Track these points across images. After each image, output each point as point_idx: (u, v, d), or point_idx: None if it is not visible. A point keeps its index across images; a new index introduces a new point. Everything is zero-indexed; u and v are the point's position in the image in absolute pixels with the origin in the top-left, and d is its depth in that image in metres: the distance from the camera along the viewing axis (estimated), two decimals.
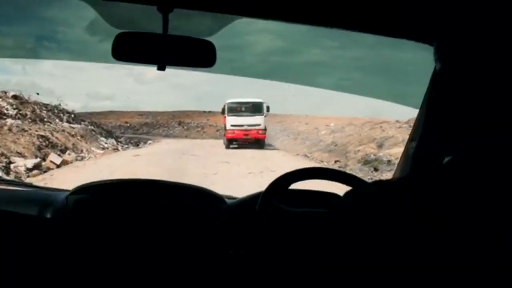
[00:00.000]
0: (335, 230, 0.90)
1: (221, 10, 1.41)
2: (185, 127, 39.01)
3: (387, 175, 9.95)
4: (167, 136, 34.16)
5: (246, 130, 21.63)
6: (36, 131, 13.27)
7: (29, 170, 9.43)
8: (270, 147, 21.38)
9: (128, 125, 39.80)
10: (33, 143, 12.11)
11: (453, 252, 0.52)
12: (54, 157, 10.78)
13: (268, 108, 22.35)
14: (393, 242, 0.56)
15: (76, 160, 13.03)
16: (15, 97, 16.77)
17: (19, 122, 14.17)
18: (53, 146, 13.00)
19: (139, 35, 1.40)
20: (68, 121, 19.17)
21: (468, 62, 0.60)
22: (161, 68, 1.42)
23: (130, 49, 1.39)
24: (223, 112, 22.64)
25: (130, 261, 1.57)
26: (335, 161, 15.31)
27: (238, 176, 8.24)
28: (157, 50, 1.40)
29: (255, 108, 22.47)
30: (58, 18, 2.24)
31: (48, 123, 16.56)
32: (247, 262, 1.53)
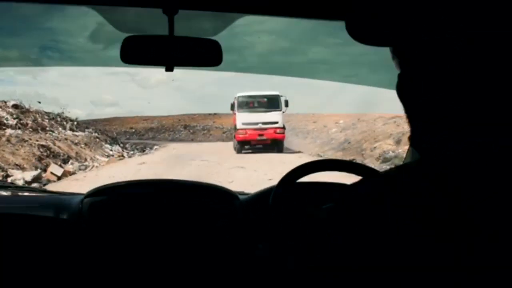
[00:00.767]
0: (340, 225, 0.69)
1: (225, 9, 1.44)
2: (191, 131, 38.63)
3: None
4: (173, 140, 33.62)
5: (260, 129, 18.16)
6: (37, 140, 12.63)
7: (27, 183, 8.75)
8: (286, 150, 18.60)
9: (134, 130, 39.45)
10: (34, 154, 11.47)
11: (453, 251, 0.50)
12: (54, 168, 10.12)
13: (286, 102, 18.59)
14: (394, 240, 0.53)
15: (80, 169, 12.40)
16: (15, 106, 16.21)
17: (19, 132, 13.57)
18: (55, 156, 12.36)
19: (146, 38, 1.42)
20: (71, 129, 18.70)
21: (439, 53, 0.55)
22: (169, 69, 1.44)
23: (138, 52, 1.41)
24: (232, 108, 19.20)
25: (148, 261, 1.61)
26: (351, 160, 14.61)
27: (258, 184, 7.19)
28: (164, 52, 1.41)
29: (271, 103, 18.78)
30: (60, 28, 2.26)
31: (50, 132, 16.02)
32: (268, 258, 1.53)
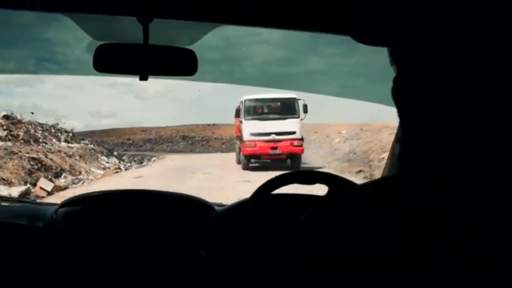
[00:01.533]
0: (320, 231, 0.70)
1: (201, 18, 1.39)
2: (190, 142, 37.99)
3: None
4: (171, 151, 32.90)
5: (274, 141, 14.67)
6: (28, 153, 11.90)
7: None
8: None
9: (131, 142, 38.76)
10: (23, 167, 10.73)
11: (451, 252, 0.50)
12: (44, 183, 9.38)
13: (305, 107, 14.94)
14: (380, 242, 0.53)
15: (73, 183, 11.67)
16: (6, 117, 15.52)
17: (9, 144, 12.85)
18: (47, 169, 11.63)
19: (120, 46, 1.40)
20: (66, 141, 18.04)
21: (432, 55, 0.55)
22: (143, 78, 1.41)
23: (111, 60, 1.39)
24: (237, 114, 15.97)
25: (120, 272, 1.61)
26: (358, 171, 13.87)
27: None
28: (138, 60, 1.38)
29: (287, 108, 15.12)
30: (56, 39, 2.27)
31: (44, 144, 15.32)
32: (230, 266, 1.51)
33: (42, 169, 11.39)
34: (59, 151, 14.82)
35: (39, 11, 1.57)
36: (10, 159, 10.92)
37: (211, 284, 1.59)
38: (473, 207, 0.49)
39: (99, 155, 18.56)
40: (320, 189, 1.30)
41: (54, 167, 12.13)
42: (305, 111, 15.06)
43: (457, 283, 0.49)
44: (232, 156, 18.74)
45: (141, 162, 20.37)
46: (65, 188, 10.54)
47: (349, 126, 25.30)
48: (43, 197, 9.13)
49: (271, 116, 15.28)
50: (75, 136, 19.77)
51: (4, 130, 14.16)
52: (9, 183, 9.36)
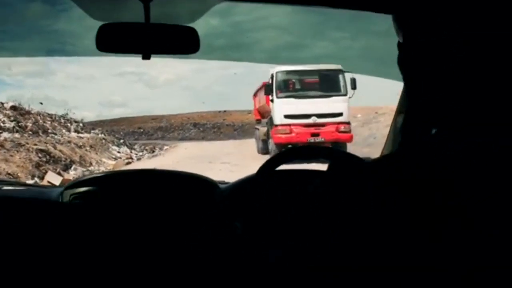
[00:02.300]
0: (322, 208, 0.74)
1: None
2: (201, 129, 37.52)
3: None
4: (182, 139, 32.42)
5: (315, 126, 11.44)
6: (35, 144, 11.39)
7: None
8: None
9: (142, 130, 38.36)
10: (31, 160, 10.23)
11: (449, 250, 0.49)
12: (51, 176, 8.84)
13: (354, 82, 11.50)
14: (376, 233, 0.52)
15: (83, 176, 11.15)
16: (13, 108, 15.03)
17: (16, 135, 12.36)
18: (55, 161, 11.12)
19: (122, 25, 1.39)
20: (76, 131, 17.56)
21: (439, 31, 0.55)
22: (146, 57, 1.42)
23: (114, 40, 1.39)
24: (268, 91, 12.02)
25: (128, 250, 1.62)
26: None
27: None
28: (141, 40, 1.39)
29: (331, 82, 11.59)
30: (66, 31, 2.28)
31: (53, 135, 14.84)
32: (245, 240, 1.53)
33: (51, 161, 10.87)
34: (69, 141, 14.32)
35: None
36: (17, 151, 10.41)
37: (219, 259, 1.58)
38: (473, 205, 0.47)
39: (110, 144, 18.08)
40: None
41: (63, 159, 11.61)
42: (354, 87, 11.59)
43: (453, 282, 0.46)
44: (247, 142, 17.80)
45: (153, 151, 19.86)
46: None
47: (363, 110, 24.60)
48: None
49: (311, 93, 11.65)
50: (85, 126, 19.31)
51: (12, 121, 13.68)
52: (15, 178, 8.85)
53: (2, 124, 13.06)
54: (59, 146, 12.62)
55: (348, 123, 12.27)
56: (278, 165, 1.52)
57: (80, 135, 17.01)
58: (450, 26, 0.52)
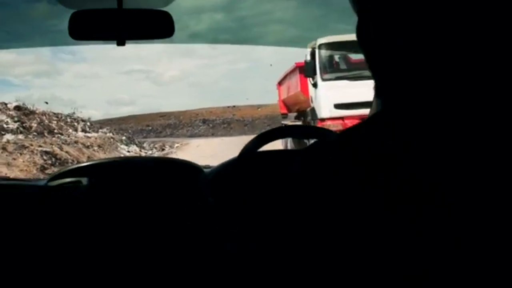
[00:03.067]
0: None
1: None
2: (210, 125, 36.82)
3: None
4: (192, 136, 31.76)
5: None
6: (40, 146, 10.72)
7: None
8: None
9: (150, 128, 37.75)
10: (35, 163, 9.55)
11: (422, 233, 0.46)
12: None
13: None
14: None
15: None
16: (17, 108, 14.38)
17: (20, 137, 11.69)
18: (62, 163, 10.43)
19: (94, 12, 1.37)
20: (83, 130, 16.92)
21: None
22: (121, 43, 1.40)
23: (87, 27, 1.36)
24: (309, 71, 8.67)
25: (114, 238, 1.62)
26: None
27: None
28: (114, 26, 1.36)
29: None
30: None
31: (59, 135, 14.19)
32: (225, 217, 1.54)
33: (57, 163, 10.17)
34: (76, 142, 13.68)
35: None
36: (21, 154, 9.74)
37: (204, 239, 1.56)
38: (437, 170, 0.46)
39: (119, 143, 17.44)
40: None
41: (70, 161, 10.93)
42: None
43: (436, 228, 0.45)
44: None
45: (163, 149, 19.18)
46: None
47: None
48: None
49: (367, 72, 8.27)
50: (92, 125, 18.66)
51: (15, 122, 13.02)
52: None
53: (5, 125, 12.40)
54: (65, 147, 11.95)
55: None
56: (260, 147, 1.51)
57: (88, 134, 16.38)
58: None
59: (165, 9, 1.40)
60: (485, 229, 0.44)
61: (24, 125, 13.17)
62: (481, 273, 0.43)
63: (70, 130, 16.03)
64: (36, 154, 10.04)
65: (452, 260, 0.44)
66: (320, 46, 8.37)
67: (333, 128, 8.13)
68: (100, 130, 18.33)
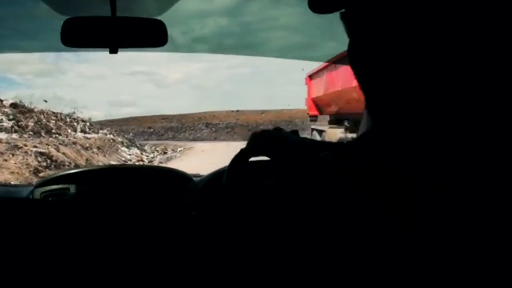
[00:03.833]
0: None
1: None
2: (213, 129, 36.12)
3: None
4: (194, 139, 31.05)
5: None
6: (35, 146, 9.93)
7: None
8: None
9: (152, 130, 37.04)
10: (28, 165, 8.77)
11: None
12: None
13: None
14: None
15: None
16: (14, 105, 13.63)
17: (14, 136, 10.93)
18: (58, 166, 9.65)
19: (87, 19, 1.36)
20: (83, 131, 16.19)
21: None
22: (113, 51, 1.39)
23: (80, 34, 1.35)
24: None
25: (102, 245, 1.56)
26: None
27: None
28: (107, 33, 1.36)
29: None
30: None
31: (57, 135, 13.43)
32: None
33: (52, 166, 9.39)
34: (74, 143, 12.91)
35: None
36: (13, 155, 8.96)
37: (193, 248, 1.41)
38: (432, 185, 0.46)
39: (119, 146, 16.69)
40: None
41: (67, 163, 10.15)
42: None
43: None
44: None
45: (165, 153, 18.41)
46: None
47: None
48: None
49: None
50: (93, 126, 17.92)
51: (10, 120, 12.26)
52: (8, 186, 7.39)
53: None
54: (62, 148, 11.17)
55: None
56: (253, 155, 1.48)
57: (87, 135, 15.66)
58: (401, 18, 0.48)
59: (164, 16, 1.41)
60: (483, 240, 0.44)
61: (19, 123, 12.42)
62: (482, 273, 0.43)
63: (69, 130, 15.33)
64: (30, 155, 9.26)
65: (452, 261, 0.44)
66: None
67: None
68: (100, 131, 17.62)
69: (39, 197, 1.66)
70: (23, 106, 14.31)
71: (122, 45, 1.38)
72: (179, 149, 19.67)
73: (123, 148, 16.62)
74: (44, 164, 9.28)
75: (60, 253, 1.51)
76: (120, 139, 17.63)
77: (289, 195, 0.54)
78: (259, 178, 1.33)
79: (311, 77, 11.10)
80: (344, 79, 8.59)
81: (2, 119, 12.02)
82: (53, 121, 15.18)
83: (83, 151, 12.38)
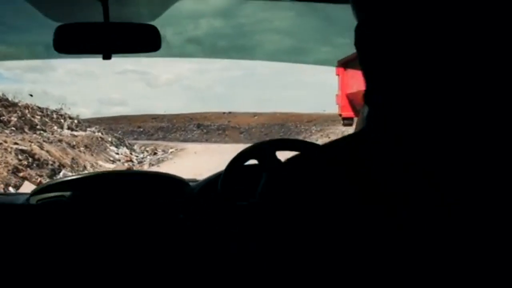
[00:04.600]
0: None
1: None
2: (205, 130, 35.41)
3: None
4: (185, 140, 30.39)
5: None
6: (16, 143, 9.17)
7: None
8: None
9: (142, 130, 36.25)
10: (7, 164, 8.01)
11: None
12: (28, 188, 6.68)
13: None
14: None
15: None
16: None
17: None
18: (40, 165, 8.90)
19: (80, 25, 1.37)
20: (70, 128, 15.43)
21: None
22: (107, 57, 1.39)
23: (72, 40, 1.35)
24: None
25: (98, 251, 1.63)
26: None
27: None
28: (100, 39, 1.36)
29: None
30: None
31: (41, 132, 12.67)
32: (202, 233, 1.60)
33: (34, 165, 8.64)
34: (60, 140, 12.16)
35: None
36: None
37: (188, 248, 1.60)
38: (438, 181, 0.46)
39: (108, 145, 15.95)
40: None
41: (50, 162, 9.39)
42: None
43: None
44: None
45: (155, 153, 17.68)
46: None
47: None
48: None
49: None
50: (80, 123, 17.15)
51: None
52: None
53: None
54: (46, 146, 10.41)
55: None
56: (247, 160, 1.55)
57: (74, 133, 14.91)
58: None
59: (158, 20, 1.42)
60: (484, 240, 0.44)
61: (1, 118, 11.64)
62: (481, 273, 0.43)
63: (55, 127, 14.59)
64: (10, 152, 8.50)
65: (451, 261, 0.44)
66: None
67: None
68: (88, 129, 16.87)
69: (35, 203, 1.66)
70: (6, 100, 13.55)
71: (115, 51, 1.37)
72: (170, 150, 18.84)
73: (112, 147, 15.90)
74: (25, 162, 8.52)
75: (57, 256, 1.55)
76: (109, 138, 16.86)
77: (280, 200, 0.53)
78: (253, 182, 1.42)
79: (345, 65, 7.61)
80: None
81: None
82: (39, 117, 14.43)
83: (69, 150, 11.63)
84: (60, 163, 9.85)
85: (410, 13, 0.47)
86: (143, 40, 1.36)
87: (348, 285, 0.46)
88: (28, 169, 8.33)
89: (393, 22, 0.48)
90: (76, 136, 14.22)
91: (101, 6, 1.28)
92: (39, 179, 7.84)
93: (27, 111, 13.99)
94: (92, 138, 15.03)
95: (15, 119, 12.28)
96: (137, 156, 16.30)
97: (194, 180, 1.85)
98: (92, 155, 13.16)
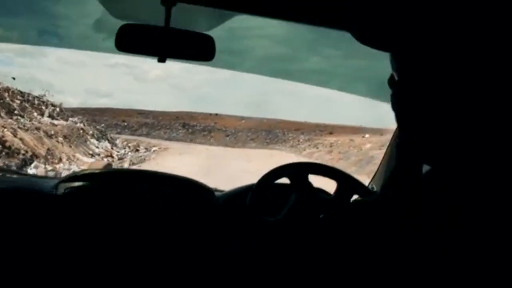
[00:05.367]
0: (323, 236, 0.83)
1: (222, 6, 1.44)
2: (190, 130, 34.84)
3: None
4: (169, 139, 29.76)
5: None
6: None
7: None
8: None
9: (126, 124, 35.52)
10: None
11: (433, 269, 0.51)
12: None
13: None
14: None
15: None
16: None
17: None
18: (11, 154, 8.26)
19: (142, 27, 1.41)
20: (51, 116, 14.72)
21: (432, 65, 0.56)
22: (162, 60, 1.43)
23: (133, 40, 1.40)
24: None
25: (120, 250, 1.66)
26: None
27: None
28: (159, 43, 1.40)
29: None
30: (63, 13, 2.23)
31: (19, 117, 11.99)
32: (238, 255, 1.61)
33: (3, 153, 8.00)
34: (38, 128, 11.51)
35: None
36: None
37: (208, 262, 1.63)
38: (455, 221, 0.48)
39: (89, 137, 15.29)
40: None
41: (22, 151, 8.75)
42: None
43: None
44: (249, 153, 14.79)
45: (137, 150, 17.07)
46: None
47: (360, 130, 23.00)
48: None
49: None
50: (63, 111, 16.43)
51: None
52: None
53: None
54: (21, 133, 9.76)
55: None
56: (278, 178, 1.56)
57: (54, 121, 14.21)
58: (454, 31, 0.49)
59: (209, 33, 1.42)
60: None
61: None
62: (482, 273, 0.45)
63: (35, 114, 13.89)
64: None
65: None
66: None
67: None
68: (70, 118, 16.18)
69: (63, 192, 1.68)
70: None
71: (171, 55, 1.40)
72: (154, 148, 18.17)
73: (93, 140, 15.29)
74: None
75: (79, 247, 1.60)
76: (90, 130, 16.20)
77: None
78: (282, 200, 1.58)
79: None
80: None
81: None
82: (18, 101, 13.71)
83: (45, 139, 10.99)
84: (33, 153, 9.22)
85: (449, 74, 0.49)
86: (199, 49, 1.40)
87: None
88: None
89: (433, 80, 0.50)
90: (55, 125, 13.56)
91: (165, 10, 1.31)
92: (12, 166, 7.19)
93: (6, 94, 13.29)
94: (72, 129, 14.38)
95: None
96: (118, 152, 15.70)
97: (218, 190, 1.88)
98: (70, 146, 12.54)
